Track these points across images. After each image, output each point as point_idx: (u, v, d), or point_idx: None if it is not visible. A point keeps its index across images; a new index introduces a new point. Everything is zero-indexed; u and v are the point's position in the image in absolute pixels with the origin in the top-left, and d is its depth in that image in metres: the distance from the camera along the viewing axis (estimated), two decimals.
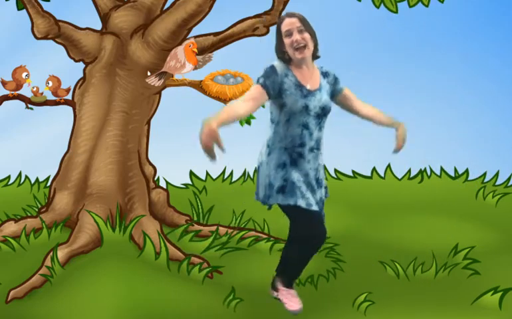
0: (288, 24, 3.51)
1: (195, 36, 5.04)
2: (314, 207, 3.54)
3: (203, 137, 3.21)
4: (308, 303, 4.03)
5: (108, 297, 4.02)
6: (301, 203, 3.51)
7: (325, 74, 3.68)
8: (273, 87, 3.48)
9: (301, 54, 3.49)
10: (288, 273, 3.84)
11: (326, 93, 3.64)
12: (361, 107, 3.83)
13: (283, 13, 3.56)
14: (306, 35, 3.50)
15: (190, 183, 6.42)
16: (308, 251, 3.67)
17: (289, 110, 3.53)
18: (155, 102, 5.25)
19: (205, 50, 5.06)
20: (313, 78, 3.60)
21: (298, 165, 3.56)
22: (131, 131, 5.10)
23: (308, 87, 3.55)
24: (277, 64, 3.55)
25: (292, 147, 3.56)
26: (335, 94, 3.72)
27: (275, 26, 3.64)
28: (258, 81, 3.50)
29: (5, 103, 5.14)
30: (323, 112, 3.59)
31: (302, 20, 3.52)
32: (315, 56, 3.61)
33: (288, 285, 3.86)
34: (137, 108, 5.13)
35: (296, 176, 3.53)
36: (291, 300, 3.82)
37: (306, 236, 3.59)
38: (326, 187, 3.78)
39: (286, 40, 3.51)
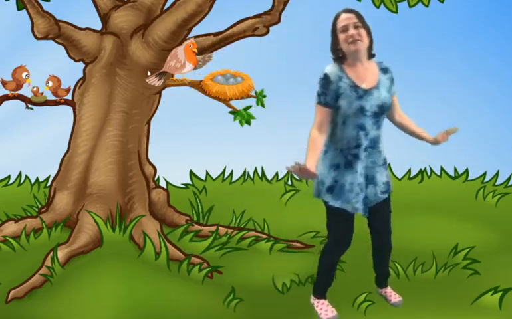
0: (344, 19, 3.50)
1: (195, 36, 5.04)
2: (358, 210, 3.61)
3: (300, 175, 3.32)
4: (308, 303, 4.03)
5: (108, 297, 4.03)
6: (346, 206, 3.59)
7: (385, 70, 3.62)
8: (332, 98, 3.49)
9: (355, 46, 3.45)
10: (317, 282, 3.90)
11: (386, 90, 3.59)
12: (400, 117, 3.78)
13: (340, 10, 3.57)
14: (362, 31, 3.48)
15: (190, 183, 6.42)
16: (334, 256, 3.78)
17: (344, 113, 3.50)
18: (155, 102, 5.25)
19: (205, 50, 5.06)
20: (369, 76, 3.55)
21: (353, 166, 3.56)
22: (131, 131, 5.11)
23: (364, 86, 3.51)
24: (329, 68, 3.53)
25: (347, 148, 3.56)
26: (391, 93, 3.66)
27: (331, 24, 3.58)
28: (317, 100, 3.51)
29: (5, 103, 5.14)
30: (381, 110, 3.55)
31: (359, 17, 3.51)
32: (370, 55, 3.57)
33: (319, 295, 3.90)
34: (137, 108, 5.13)
35: (348, 179, 3.56)
36: (325, 309, 3.86)
37: (336, 238, 3.71)
38: (385, 183, 3.73)
39: (342, 36, 3.49)
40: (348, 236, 3.69)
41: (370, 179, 3.62)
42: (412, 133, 3.82)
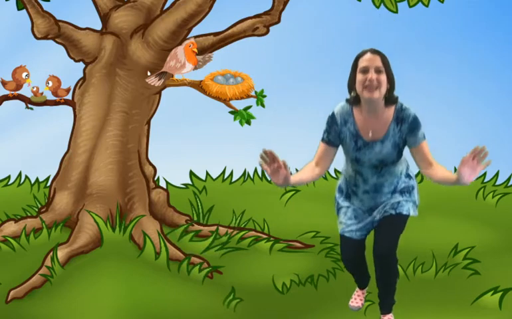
0: (367, 59, 3.21)
1: (195, 36, 5.04)
2: (353, 235, 3.55)
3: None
4: (308, 303, 4.03)
5: (107, 297, 4.03)
6: (339, 226, 3.59)
7: (400, 120, 3.27)
8: (334, 137, 3.37)
9: (369, 93, 3.18)
10: None
11: (392, 144, 3.30)
12: (430, 169, 3.36)
13: (365, 48, 3.29)
14: (383, 77, 3.19)
15: (190, 183, 6.41)
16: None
17: (345, 161, 3.50)
18: (155, 102, 5.25)
19: (205, 50, 5.06)
20: (379, 126, 3.28)
21: (351, 199, 3.54)
22: (131, 131, 5.11)
23: (366, 137, 3.30)
24: (338, 109, 3.36)
25: (349, 183, 3.53)
26: (408, 145, 3.34)
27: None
28: (322, 136, 3.40)
29: (5, 103, 5.14)
30: (382, 163, 3.36)
31: (384, 60, 3.22)
32: (389, 101, 3.27)
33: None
34: (137, 108, 5.13)
35: (345, 204, 3.55)
36: (354, 296, 3.98)
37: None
38: (395, 202, 3.47)
39: (359, 77, 3.21)
40: (346, 255, 3.66)
41: (372, 209, 3.53)
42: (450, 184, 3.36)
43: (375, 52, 3.22)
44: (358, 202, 3.52)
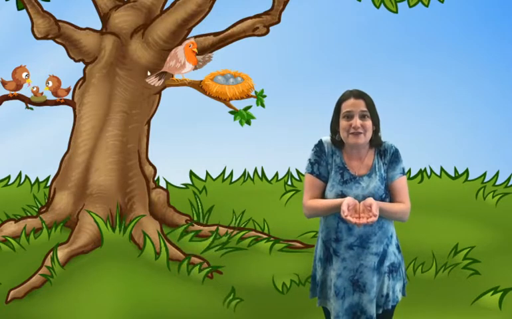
0: (351, 104, 2.98)
1: (195, 36, 5.04)
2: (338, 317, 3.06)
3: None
4: (308, 303, 4.03)
5: (107, 297, 4.03)
6: (326, 305, 3.12)
7: (382, 152, 3.05)
8: (325, 170, 3.03)
9: (355, 139, 2.96)
10: None
11: (379, 177, 3.01)
12: None
13: (349, 90, 3.05)
14: (368, 122, 2.97)
15: (190, 183, 6.42)
16: None
17: (325, 196, 3.02)
18: (155, 102, 5.26)
19: (205, 50, 5.07)
20: (364, 162, 3.04)
21: (333, 263, 3.04)
22: (131, 131, 5.11)
23: (354, 171, 3.02)
24: (326, 138, 3.08)
25: (327, 240, 3.05)
26: (387, 180, 3.04)
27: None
28: (308, 169, 3.05)
29: (5, 103, 5.14)
30: None
31: (369, 104, 2.99)
32: (375, 144, 3.04)
33: None
34: (137, 108, 5.13)
35: (328, 275, 3.07)
36: None
37: None
38: (385, 295, 3.06)
39: (343, 122, 2.98)
40: None
41: (358, 286, 3.03)
42: None
43: (359, 95, 3.01)
44: (338, 264, 3.02)
